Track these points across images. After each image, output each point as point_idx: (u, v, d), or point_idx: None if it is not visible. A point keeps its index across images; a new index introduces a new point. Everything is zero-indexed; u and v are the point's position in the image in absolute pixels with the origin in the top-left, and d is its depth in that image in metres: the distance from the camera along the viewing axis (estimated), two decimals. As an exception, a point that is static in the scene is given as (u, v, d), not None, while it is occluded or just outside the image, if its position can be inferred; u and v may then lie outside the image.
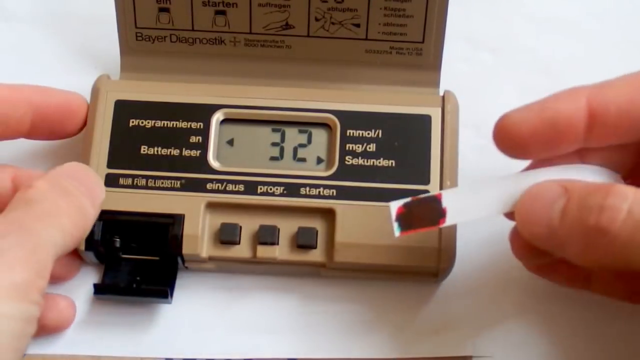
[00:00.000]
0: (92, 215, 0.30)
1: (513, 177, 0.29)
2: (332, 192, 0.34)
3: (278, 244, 0.34)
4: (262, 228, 0.34)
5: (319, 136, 0.36)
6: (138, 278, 0.35)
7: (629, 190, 0.25)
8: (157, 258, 0.35)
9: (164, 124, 0.35)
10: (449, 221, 0.28)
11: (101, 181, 0.33)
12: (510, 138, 0.28)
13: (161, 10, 0.36)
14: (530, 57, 0.40)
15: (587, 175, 0.29)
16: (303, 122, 0.36)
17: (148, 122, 0.35)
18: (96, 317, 0.35)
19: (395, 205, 0.29)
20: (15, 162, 0.36)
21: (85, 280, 0.36)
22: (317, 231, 0.34)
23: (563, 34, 0.41)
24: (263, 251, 0.34)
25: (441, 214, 0.28)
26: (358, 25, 0.36)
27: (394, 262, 0.34)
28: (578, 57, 0.40)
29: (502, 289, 0.36)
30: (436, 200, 0.28)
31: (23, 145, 0.37)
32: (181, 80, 0.37)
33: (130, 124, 0.35)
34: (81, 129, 0.36)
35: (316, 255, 0.34)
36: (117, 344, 0.35)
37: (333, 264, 0.34)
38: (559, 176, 0.28)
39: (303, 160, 0.35)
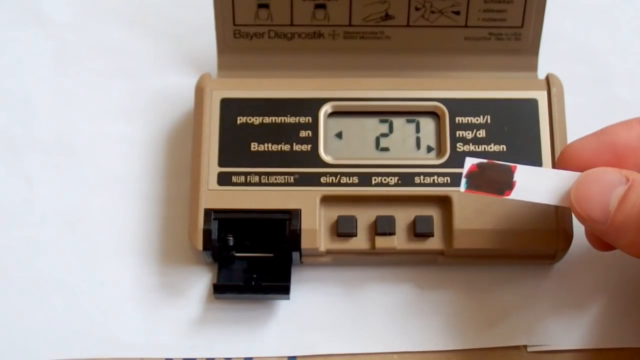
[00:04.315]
0: None
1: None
2: (447, 180, 0.34)
3: (395, 233, 0.34)
4: (379, 219, 0.34)
5: (427, 125, 0.36)
6: (254, 276, 0.34)
7: None
8: (270, 255, 0.35)
9: (272, 119, 0.35)
10: (512, 195, 0.28)
11: None
12: (573, 164, 0.29)
13: (260, 6, 0.36)
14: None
15: None
16: (410, 111, 0.36)
17: (256, 119, 0.35)
18: (211, 318, 0.35)
19: (470, 162, 0.29)
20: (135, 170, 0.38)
21: (194, 281, 0.36)
22: (433, 219, 0.34)
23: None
24: (382, 242, 0.34)
25: (509, 185, 0.28)
26: (458, 13, 0.36)
27: (512, 245, 0.34)
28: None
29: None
30: (510, 171, 0.28)
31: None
32: (278, 76, 0.36)
33: (238, 122, 0.35)
34: None
35: (434, 243, 0.34)
36: (236, 344, 0.35)
37: (452, 251, 0.34)
38: None
39: (413, 149, 0.35)
